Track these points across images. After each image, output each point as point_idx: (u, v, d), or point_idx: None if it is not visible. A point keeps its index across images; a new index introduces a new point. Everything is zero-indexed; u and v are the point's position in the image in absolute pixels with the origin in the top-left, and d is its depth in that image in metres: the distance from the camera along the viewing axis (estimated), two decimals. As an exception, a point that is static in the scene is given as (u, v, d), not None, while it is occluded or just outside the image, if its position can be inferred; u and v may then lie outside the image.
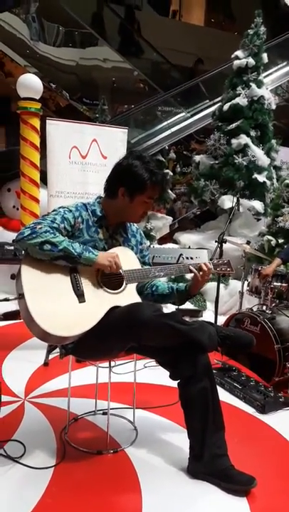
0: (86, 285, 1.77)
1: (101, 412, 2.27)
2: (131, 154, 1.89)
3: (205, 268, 1.91)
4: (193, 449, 1.80)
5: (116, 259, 1.79)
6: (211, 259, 2.08)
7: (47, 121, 3.70)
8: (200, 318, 4.40)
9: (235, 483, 1.71)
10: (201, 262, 1.94)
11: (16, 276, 1.76)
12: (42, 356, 2.90)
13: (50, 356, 2.91)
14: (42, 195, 4.06)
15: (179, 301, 2.03)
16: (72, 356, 2.00)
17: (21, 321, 2.90)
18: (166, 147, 8.45)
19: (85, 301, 1.74)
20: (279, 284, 3.51)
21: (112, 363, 2.05)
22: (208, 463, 1.75)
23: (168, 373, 1.83)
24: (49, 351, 2.91)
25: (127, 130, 3.94)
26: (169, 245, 5.61)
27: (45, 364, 2.88)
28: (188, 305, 4.52)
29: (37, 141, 3.92)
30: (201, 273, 1.91)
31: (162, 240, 6.22)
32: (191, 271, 1.93)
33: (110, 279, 1.83)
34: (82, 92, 10.48)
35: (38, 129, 3.92)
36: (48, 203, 3.79)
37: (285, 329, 3.21)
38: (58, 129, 3.72)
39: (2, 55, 8.77)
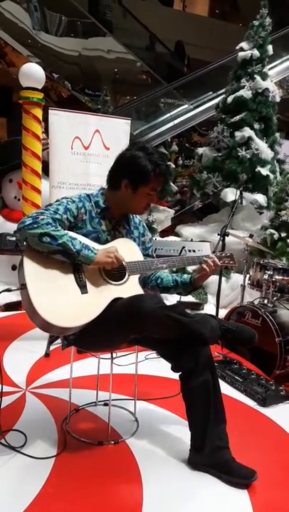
0: (89, 276, 1.76)
1: (102, 403, 2.27)
2: (134, 145, 1.87)
3: (211, 263, 1.91)
4: (195, 440, 1.80)
5: (116, 253, 1.77)
6: (214, 252, 2.06)
7: (49, 111, 3.66)
8: (201, 311, 4.40)
9: (235, 476, 1.71)
10: (210, 256, 1.93)
11: (18, 267, 1.75)
12: (43, 347, 2.90)
13: (52, 347, 2.92)
14: (44, 186, 4.04)
15: (184, 293, 2.05)
16: (73, 347, 2.00)
17: (22, 311, 2.91)
18: (169, 139, 8.40)
19: (87, 293, 1.73)
20: (281, 277, 3.50)
21: (114, 355, 2.05)
22: (209, 455, 1.75)
23: (169, 365, 1.83)
24: (50, 342, 2.91)
25: (130, 121, 3.90)
26: (171, 238, 5.59)
27: (47, 355, 2.88)
28: (189, 298, 4.52)
29: (39, 132, 3.89)
30: (208, 266, 1.91)
31: (164, 233, 6.19)
32: (201, 263, 1.92)
33: (113, 270, 1.81)
34: (84, 83, 10.40)
35: (41, 119, 3.89)
36: (49, 193, 3.77)
37: (287, 323, 3.20)
38: (61, 120, 3.68)
39: (4, 44, 8.69)
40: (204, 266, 1.91)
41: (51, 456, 1.82)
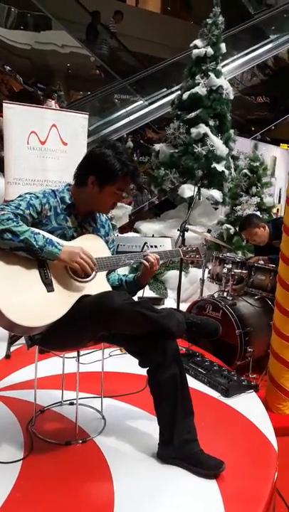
0: (54, 273, 1.72)
1: (68, 402, 2.23)
2: (104, 143, 1.85)
3: (152, 259, 1.91)
4: (163, 434, 1.82)
5: (84, 252, 1.72)
6: (180, 247, 2.08)
7: (4, 104, 3.55)
8: (161, 306, 4.44)
9: (204, 467, 1.74)
10: (148, 253, 1.93)
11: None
12: (3, 348, 2.81)
13: (12, 348, 2.84)
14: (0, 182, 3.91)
15: (129, 292, 2.00)
16: (36, 347, 1.95)
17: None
18: (125, 135, 8.38)
19: (53, 290, 1.69)
20: (239, 270, 3.59)
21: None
22: (178, 448, 1.77)
23: (133, 361, 1.82)
24: (11, 343, 2.83)
25: (87, 116, 3.86)
26: (132, 234, 5.59)
27: (7, 356, 2.80)
28: (149, 293, 4.54)
29: (-7, 126, 3.76)
30: (149, 264, 1.91)
31: (122, 230, 6.18)
32: (146, 258, 1.91)
33: None
34: (36, 77, 10.15)
35: (-6, 113, 3.75)
36: (5, 189, 3.66)
37: (246, 315, 3.30)
38: (16, 113, 3.57)
39: None
40: (144, 262, 1.91)
41: (18, 459, 1.77)
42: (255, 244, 3.84)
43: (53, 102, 6.14)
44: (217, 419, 2.22)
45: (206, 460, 1.75)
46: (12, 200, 1.74)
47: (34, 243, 1.65)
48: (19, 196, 1.77)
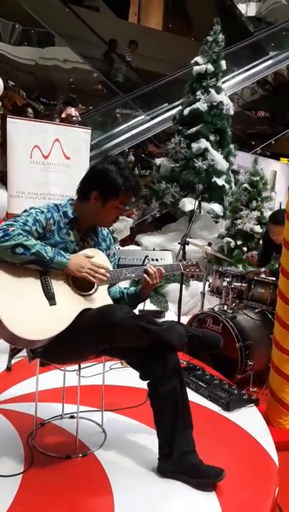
0: (57, 287, 1.75)
1: (68, 415, 2.24)
2: (106, 158, 1.89)
3: (151, 271, 1.93)
4: (163, 448, 1.82)
5: (90, 262, 1.78)
6: (180, 261, 2.11)
7: (8, 119, 3.61)
8: (162, 319, 4.44)
9: (204, 477, 1.74)
10: (149, 265, 1.96)
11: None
12: (4, 361, 2.82)
13: (13, 361, 2.84)
14: (1, 196, 3.96)
15: (130, 305, 2.02)
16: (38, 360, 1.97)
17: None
18: (126, 149, 8.47)
19: (55, 304, 1.71)
20: (239, 284, 3.61)
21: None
22: (178, 461, 1.78)
23: (134, 374, 1.84)
24: (12, 356, 2.83)
25: (90, 131, 3.92)
26: (132, 247, 5.62)
27: (8, 369, 2.80)
28: (150, 306, 4.55)
29: (-4, 140, 3.82)
30: (149, 277, 1.93)
31: (124, 242, 6.21)
32: (146, 271, 1.93)
33: (81, 280, 1.81)
34: (39, 92, 10.31)
35: (-2, 127, 3.82)
36: (8, 203, 3.70)
37: (246, 328, 3.31)
38: (19, 128, 3.63)
39: None
40: (144, 276, 1.94)
41: (18, 473, 1.77)
42: (271, 242, 3.71)
43: (74, 109, 6.19)
44: (218, 433, 2.22)
45: (205, 470, 1.76)
46: (19, 215, 1.78)
47: (45, 255, 1.70)
48: (25, 211, 1.81)
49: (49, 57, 10.20)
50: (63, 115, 6.65)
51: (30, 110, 6.69)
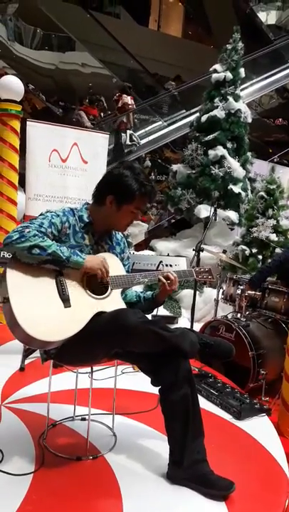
0: (72, 290, 1.77)
1: (79, 417, 2.25)
2: (122, 164, 1.91)
3: (172, 277, 1.94)
4: (173, 454, 1.81)
5: (104, 263, 1.80)
6: (193, 267, 2.11)
7: (27, 122, 3.67)
8: (175, 325, 4.44)
9: (214, 488, 1.73)
10: (169, 271, 1.96)
11: (0, 280, 1.74)
12: (18, 361, 2.85)
13: (26, 361, 2.87)
14: (20, 198, 4.02)
15: (146, 309, 2.04)
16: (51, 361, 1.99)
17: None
18: (143, 155, 8.52)
19: (70, 306, 1.73)
20: (253, 292, 3.59)
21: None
22: (188, 469, 1.77)
23: (146, 379, 1.84)
24: (25, 356, 2.86)
25: (108, 136, 3.96)
26: (147, 252, 5.64)
27: (21, 369, 2.83)
28: (164, 312, 4.56)
29: (17, 144, 3.88)
30: (168, 282, 1.94)
31: (138, 247, 6.24)
32: (160, 280, 1.94)
33: (96, 284, 1.83)
34: (58, 96, 10.44)
35: (18, 131, 3.88)
36: (25, 205, 3.76)
37: (259, 336, 3.29)
38: (38, 131, 3.70)
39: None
40: (162, 280, 1.94)
41: (29, 472, 1.78)
42: None
43: (129, 97, 6.14)
44: (228, 441, 2.21)
45: (216, 481, 1.75)
46: (35, 218, 1.81)
47: (61, 254, 1.73)
48: (41, 214, 1.84)
49: (69, 61, 10.34)
50: (120, 104, 6.62)
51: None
